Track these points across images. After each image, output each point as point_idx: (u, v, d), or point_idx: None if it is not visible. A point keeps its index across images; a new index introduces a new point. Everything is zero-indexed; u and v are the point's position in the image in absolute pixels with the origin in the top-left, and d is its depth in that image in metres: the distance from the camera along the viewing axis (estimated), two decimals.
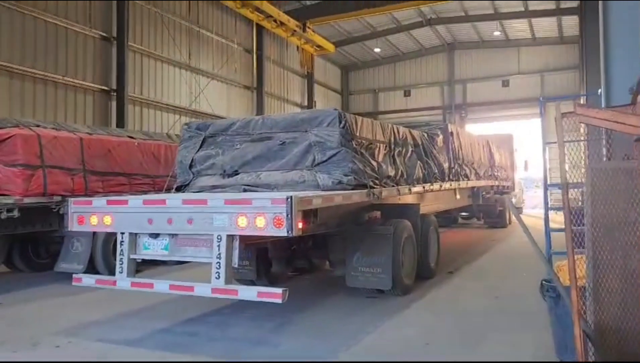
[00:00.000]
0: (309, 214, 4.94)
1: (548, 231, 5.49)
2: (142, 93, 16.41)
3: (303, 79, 26.35)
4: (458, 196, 10.78)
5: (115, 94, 15.21)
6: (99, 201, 5.57)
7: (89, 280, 5.56)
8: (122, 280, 5.16)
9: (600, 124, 3.31)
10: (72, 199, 5.81)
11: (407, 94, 30.43)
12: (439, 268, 8.42)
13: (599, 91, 5.52)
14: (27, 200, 7.48)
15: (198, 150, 6.95)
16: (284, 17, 21.43)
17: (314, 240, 6.94)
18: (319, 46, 25.12)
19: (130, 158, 9.58)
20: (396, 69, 30.66)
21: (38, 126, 8.31)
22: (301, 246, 7.14)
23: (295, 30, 22.47)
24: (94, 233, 7.97)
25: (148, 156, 10.03)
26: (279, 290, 4.45)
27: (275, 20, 21.19)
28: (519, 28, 26.34)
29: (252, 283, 6.93)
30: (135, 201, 5.40)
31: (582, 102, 10.43)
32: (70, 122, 12.84)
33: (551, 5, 23.03)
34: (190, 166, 6.95)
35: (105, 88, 15.08)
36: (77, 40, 14.21)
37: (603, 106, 5.08)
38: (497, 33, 26.95)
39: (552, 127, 3.82)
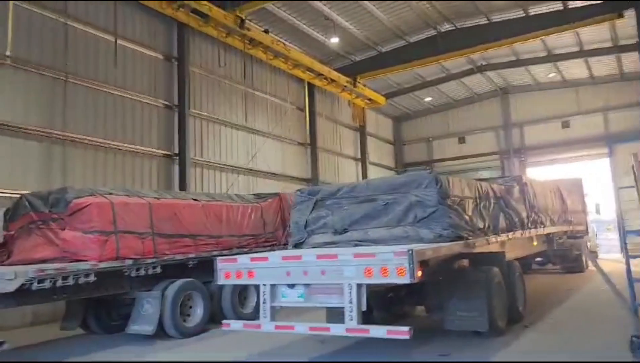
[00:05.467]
0: (424, 264, 5.67)
1: (631, 280, 5.13)
2: (202, 155, 17.04)
3: (355, 132, 26.62)
4: (535, 243, 11.12)
5: (177, 158, 15.87)
6: (243, 259, 6.42)
7: (236, 324, 6.41)
8: (267, 324, 5.93)
9: None
10: (219, 258, 6.64)
11: (461, 140, 29.90)
12: (527, 311, 8.72)
13: None
14: (102, 265, 7.76)
15: (311, 212, 7.99)
16: (335, 75, 22.01)
17: (408, 288, 7.47)
18: (369, 100, 25.43)
19: (194, 219, 9.84)
20: (449, 117, 30.33)
21: (111, 193, 8.75)
22: (397, 294, 8.06)
23: (345, 86, 22.94)
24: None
25: (211, 217, 10.29)
26: (406, 328, 5.06)
27: (326, 78, 21.75)
28: (575, 68, 25.52)
29: None
30: (274, 257, 6.26)
31: None
32: (137, 187, 13.46)
33: (608, 44, 22.36)
34: (305, 226, 8.00)
35: (169, 153, 15.77)
36: (142, 110, 15.07)
37: None
38: (552, 75, 26.30)
39: (623, 168, 3.64)
